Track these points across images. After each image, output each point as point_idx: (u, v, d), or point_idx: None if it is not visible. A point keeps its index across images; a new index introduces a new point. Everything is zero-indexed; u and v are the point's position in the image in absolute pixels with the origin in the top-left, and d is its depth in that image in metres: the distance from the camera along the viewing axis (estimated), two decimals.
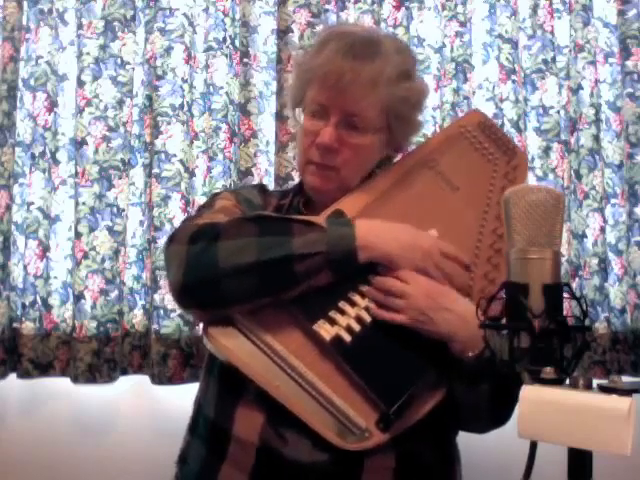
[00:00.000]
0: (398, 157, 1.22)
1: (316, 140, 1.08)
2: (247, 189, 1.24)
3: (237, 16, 1.76)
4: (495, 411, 1.03)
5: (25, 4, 1.69)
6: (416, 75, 1.16)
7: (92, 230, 1.64)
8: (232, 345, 1.00)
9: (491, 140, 1.17)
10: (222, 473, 1.01)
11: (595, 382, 0.62)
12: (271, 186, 1.67)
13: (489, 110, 1.77)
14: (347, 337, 1.00)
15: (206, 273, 0.99)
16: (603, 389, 0.60)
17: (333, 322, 1.01)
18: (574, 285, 1.73)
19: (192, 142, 1.71)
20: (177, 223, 1.65)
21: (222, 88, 1.73)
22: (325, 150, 1.07)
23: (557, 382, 0.63)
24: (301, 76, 1.14)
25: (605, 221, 1.77)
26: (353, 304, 1.03)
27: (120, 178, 1.67)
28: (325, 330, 1.00)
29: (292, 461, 0.97)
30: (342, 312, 1.02)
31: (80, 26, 1.68)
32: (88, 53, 1.67)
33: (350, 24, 1.17)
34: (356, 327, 1.01)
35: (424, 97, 1.15)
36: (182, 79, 1.69)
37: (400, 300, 1.00)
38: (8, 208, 1.63)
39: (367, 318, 1.02)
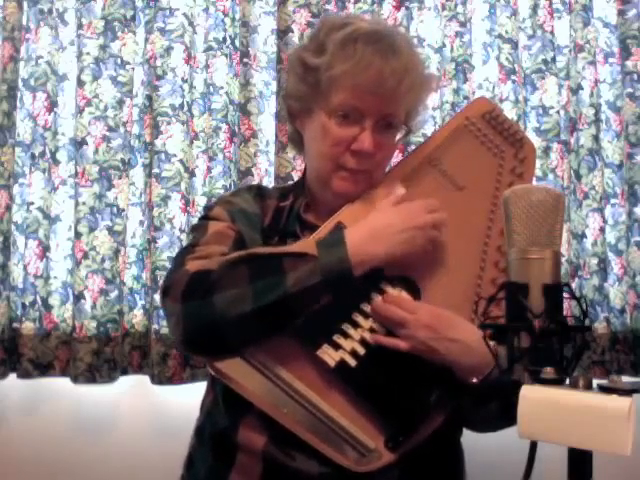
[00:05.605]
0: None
1: (352, 147, 1.04)
2: (242, 195, 1.17)
3: (237, 16, 1.76)
4: (506, 421, 1.00)
5: (25, 4, 1.69)
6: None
7: (92, 230, 1.64)
8: (238, 375, 0.98)
9: (497, 131, 1.11)
10: None
11: (595, 382, 0.62)
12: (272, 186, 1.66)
13: None
14: (352, 361, 0.99)
15: (206, 328, 0.97)
16: (603, 389, 0.60)
17: (337, 346, 0.99)
18: (574, 285, 1.73)
19: (192, 142, 1.71)
20: (177, 223, 1.66)
21: (222, 88, 1.73)
22: (363, 156, 1.04)
23: (557, 382, 0.63)
24: (322, 79, 1.04)
25: (605, 221, 1.77)
26: (357, 326, 1.01)
27: (120, 178, 1.67)
28: (329, 355, 0.99)
29: (300, 472, 0.98)
30: (346, 335, 1.00)
31: (80, 26, 1.68)
32: (88, 53, 1.67)
33: (356, 17, 1.13)
34: (361, 350, 1.00)
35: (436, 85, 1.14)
36: (182, 79, 1.69)
37: (401, 329, 0.98)
38: (8, 208, 1.63)
39: (372, 340, 1.01)
